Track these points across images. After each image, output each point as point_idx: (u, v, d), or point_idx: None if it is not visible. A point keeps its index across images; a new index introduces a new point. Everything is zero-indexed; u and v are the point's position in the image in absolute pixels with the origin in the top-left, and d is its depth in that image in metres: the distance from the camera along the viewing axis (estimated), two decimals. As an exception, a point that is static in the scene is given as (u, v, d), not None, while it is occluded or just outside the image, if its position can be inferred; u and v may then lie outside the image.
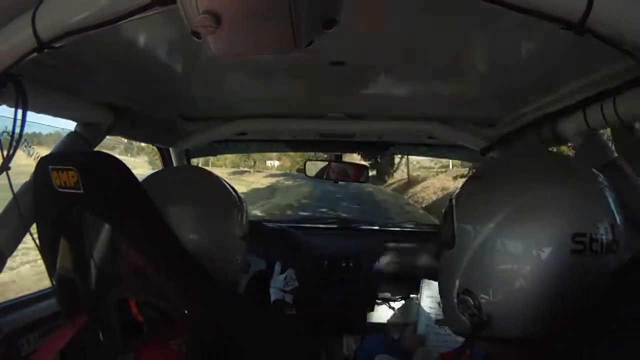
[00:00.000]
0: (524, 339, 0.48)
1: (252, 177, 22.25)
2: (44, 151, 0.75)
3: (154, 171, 0.80)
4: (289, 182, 18.89)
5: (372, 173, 17.10)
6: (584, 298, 0.44)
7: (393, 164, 18.50)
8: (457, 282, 0.53)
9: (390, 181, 19.48)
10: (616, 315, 0.41)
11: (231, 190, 0.73)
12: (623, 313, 0.41)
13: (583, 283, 0.45)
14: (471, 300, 0.51)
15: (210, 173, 0.75)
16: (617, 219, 0.48)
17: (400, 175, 19.18)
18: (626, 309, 0.41)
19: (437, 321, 0.65)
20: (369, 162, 13.58)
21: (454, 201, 0.57)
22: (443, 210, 0.60)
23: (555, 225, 0.46)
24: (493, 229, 0.49)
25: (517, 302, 0.48)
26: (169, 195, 0.64)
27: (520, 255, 0.47)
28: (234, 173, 23.08)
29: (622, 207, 0.49)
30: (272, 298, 1.13)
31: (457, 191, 0.58)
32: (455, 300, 0.53)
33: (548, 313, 0.47)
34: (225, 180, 0.75)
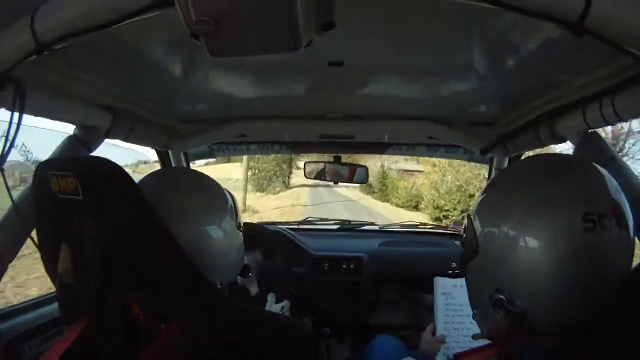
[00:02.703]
0: (560, 326, 0.50)
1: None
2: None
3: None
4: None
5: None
6: (607, 277, 0.48)
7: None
8: (488, 285, 0.56)
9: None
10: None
11: (224, 190, 0.75)
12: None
13: (601, 261, 0.49)
14: (504, 297, 0.54)
15: (204, 174, 0.76)
16: (619, 199, 0.51)
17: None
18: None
19: (473, 336, 0.66)
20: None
21: (472, 214, 0.60)
22: (463, 225, 0.65)
23: (566, 210, 0.50)
24: (511, 228, 0.52)
25: (545, 290, 0.51)
26: (163, 197, 0.64)
27: (540, 246, 0.50)
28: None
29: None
30: None
31: (474, 206, 0.62)
32: (489, 301, 0.56)
33: (577, 297, 0.50)
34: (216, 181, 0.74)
